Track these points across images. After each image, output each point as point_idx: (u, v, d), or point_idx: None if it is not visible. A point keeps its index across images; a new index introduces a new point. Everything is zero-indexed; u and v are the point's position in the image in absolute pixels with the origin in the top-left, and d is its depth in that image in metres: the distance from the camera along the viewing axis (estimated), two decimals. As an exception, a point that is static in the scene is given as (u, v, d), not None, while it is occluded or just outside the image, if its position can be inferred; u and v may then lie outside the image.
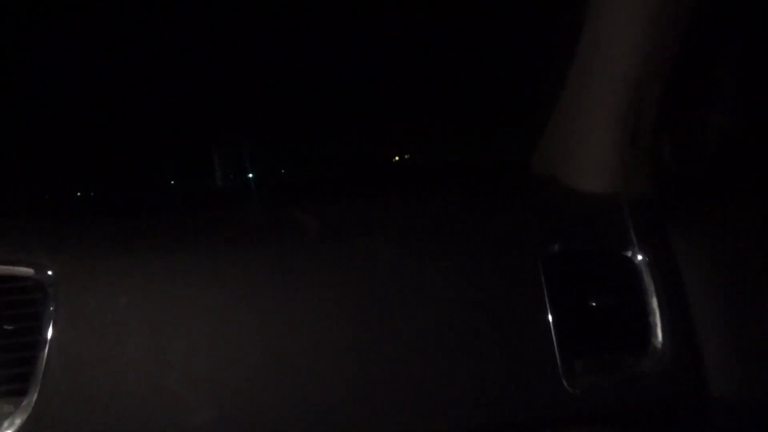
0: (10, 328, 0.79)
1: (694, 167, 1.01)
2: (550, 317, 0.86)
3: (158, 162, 1.34)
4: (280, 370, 0.81)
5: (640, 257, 0.91)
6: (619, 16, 0.89)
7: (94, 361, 0.78)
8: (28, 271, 0.81)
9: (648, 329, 0.89)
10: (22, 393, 0.76)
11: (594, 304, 0.89)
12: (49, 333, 0.78)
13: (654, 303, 0.89)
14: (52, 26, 1.27)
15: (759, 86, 1.01)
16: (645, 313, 0.89)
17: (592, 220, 0.96)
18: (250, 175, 1.34)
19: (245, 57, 1.37)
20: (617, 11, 0.89)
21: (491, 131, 1.45)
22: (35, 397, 0.76)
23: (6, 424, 0.75)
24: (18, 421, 0.75)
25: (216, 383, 0.79)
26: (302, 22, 1.38)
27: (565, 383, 0.84)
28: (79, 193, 1.21)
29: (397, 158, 1.46)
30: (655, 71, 0.91)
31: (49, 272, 0.81)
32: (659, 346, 0.88)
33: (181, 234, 0.90)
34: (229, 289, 0.83)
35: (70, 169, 1.29)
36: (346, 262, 0.86)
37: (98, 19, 1.26)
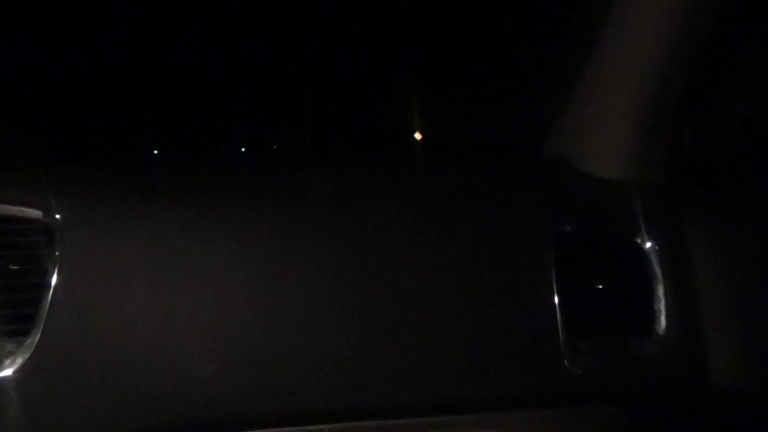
0: (16, 268, 0.79)
1: (713, 157, 1.00)
2: (556, 297, 0.86)
3: (172, 120, 1.34)
4: (285, 327, 0.81)
5: (649, 244, 0.91)
6: (645, 2, 0.89)
7: (98, 307, 0.78)
8: (36, 213, 0.80)
9: (653, 315, 0.89)
10: (25, 333, 0.76)
11: (601, 286, 0.90)
12: (54, 278, 0.78)
13: (660, 290, 0.89)
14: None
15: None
16: (651, 299, 0.89)
17: (606, 204, 0.96)
18: (261, 140, 1.34)
19: (255, 20, 1.36)
20: (643, -1, 0.88)
21: (510, 111, 1.45)
22: (38, 337, 0.76)
23: (8, 362, 0.75)
24: (20, 360, 0.75)
25: (221, 337, 0.79)
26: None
27: (566, 362, 0.84)
28: (93, 143, 1.21)
29: (414, 135, 1.45)
30: (678, 58, 0.90)
31: (57, 216, 0.81)
32: (662, 332, 0.88)
33: (194, 188, 0.90)
34: (238, 245, 0.83)
35: (86, 119, 1.28)
36: (357, 226, 0.86)
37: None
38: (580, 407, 0.87)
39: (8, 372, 0.75)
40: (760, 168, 1.01)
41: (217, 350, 0.79)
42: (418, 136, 1.39)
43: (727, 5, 0.87)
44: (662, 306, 0.89)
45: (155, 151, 1.18)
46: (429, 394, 0.82)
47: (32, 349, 0.75)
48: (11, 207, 0.80)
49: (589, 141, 1.02)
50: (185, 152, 1.21)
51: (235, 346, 0.80)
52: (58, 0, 1.28)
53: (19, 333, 0.76)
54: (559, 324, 0.85)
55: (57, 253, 0.79)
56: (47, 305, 0.77)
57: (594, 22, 0.97)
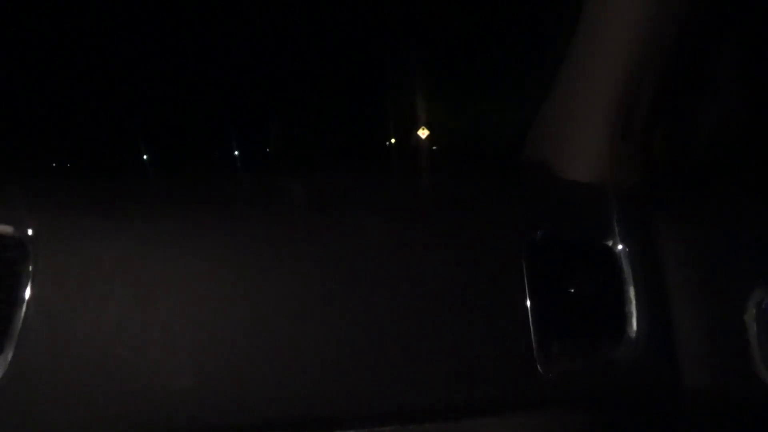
0: None
1: (685, 161, 1.01)
2: (528, 302, 0.87)
3: (148, 130, 1.33)
4: (262, 339, 0.81)
5: (620, 247, 0.92)
6: (616, 7, 0.89)
7: (73, 322, 0.78)
8: (6, 228, 0.80)
9: (624, 318, 0.90)
10: None
11: (573, 290, 0.90)
12: (27, 292, 0.78)
13: (631, 292, 0.90)
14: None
15: (754, 82, 1.01)
16: (622, 302, 0.90)
17: (577, 208, 0.97)
18: (242, 147, 1.34)
19: (239, 28, 1.36)
20: (614, 3, 0.89)
21: (483, 117, 1.46)
22: (11, 354, 0.76)
23: None
24: None
25: (197, 350, 0.80)
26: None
27: (539, 366, 0.85)
28: (65, 156, 1.21)
29: (389, 141, 1.46)
30: (650, 63, 0.91)
31: (29, 231, 0.80)
32: (634, 335, 0.89)
33: (167, 199, 0.90)
34: (214, 255, 0.83)
35: (58, 132, 1.28)
36: (332, 234, 0.86)
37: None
38: (552, 411, 0.88)
39: (-19, 390, 0.74)
40: (731, 171, 1.02)
41: (195, 362, 0.79)
42: (394, 141, 1.40)
43: (696, 9, 0.88)
44: (633, 308, 0.90)
45: (129, 156, 1.18)
46: (402, 403, 0.83)
47: (6, 367, 0.75)
48: None
49: (561, 146, 1.03)
50: (162, 160, 1.21)
51: (215, 357, 0.80)
52: (33, 7, 1.27)
53: None
54: (532, 328, 0.86)
55: (30, 268, 0.79)
56: (20, 321, 0.77)
57: (565, 28, 0.98)
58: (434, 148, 1.44)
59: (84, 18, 1.27)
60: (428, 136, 1.45)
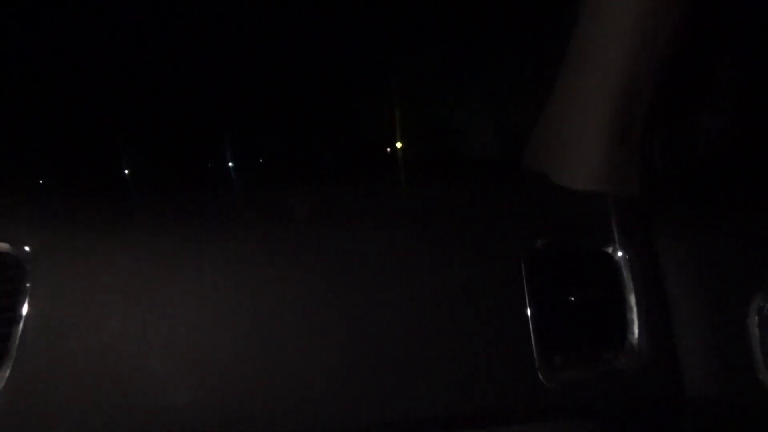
0: None
1: (682, 168, 1.01)
2: (529, 311, 0.86)
3: (144, 144, 1.34)
4: (263, 352, 0.81)
5: (620, 254, 0.92)
6: (612, 14, 0.89)
7: (70, 338, 0.78)
8: (4, 246, 0.80)
9: (626, 326, 0.89)
10: None
11: (574, 299, 0.90)
12: (25, 309, 0.78)
13: (632, 300, 0.90)
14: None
15: (750, 89, 1.01)
16: (623, 309, 0.90)
17: (577, 216, 0.96)
18: (237, 160, 1.34)
19: (232, 39, 1.37)
20: (611, 10, 0.89)
21: (484, 125, 1.46)
22: (9, 371, 0.76)
23: None
24: None
25: (196, 364, 0.79)
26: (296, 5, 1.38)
27: (541, 377, 0.84)
28: (61, 174, 1.21)
29: (389, 149, 1.46)
30: (647, 71, 0.91)
31: (27, 248, 0.80)
32: (636, 342, 0.88)
33: (164, 213, 0.90)
34: (212, 270, 0.83)
35: (52, 149, 1.28)
36: (332, 246, 0.86)
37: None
38: (555, 421, 0.87)
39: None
40: (730, 177, 1.02)
41: (194, 377, 0.79)
42: (393, 150, 1.40)
43: (694, 18, 0.88)
44: (634, 316, 0.89)
45: (125, 171, 1.18)
46: (404, 413, 0.82)
47: (3, 383, 0.75)
48: None
49: (561, 154, 1.03)
50: (159, 174, 1.21)
51: (213, 371, 0.79)
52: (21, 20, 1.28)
53: None
54: (533, 338, 0.85)
55: (27, 285, 0.79)
56: (17, 338, 0.77)
57: (563, 36, 0.98)
58: (433, 156, 1.44)
59: (85, 28, 1.28)
60: (427, 145, 1.45)
